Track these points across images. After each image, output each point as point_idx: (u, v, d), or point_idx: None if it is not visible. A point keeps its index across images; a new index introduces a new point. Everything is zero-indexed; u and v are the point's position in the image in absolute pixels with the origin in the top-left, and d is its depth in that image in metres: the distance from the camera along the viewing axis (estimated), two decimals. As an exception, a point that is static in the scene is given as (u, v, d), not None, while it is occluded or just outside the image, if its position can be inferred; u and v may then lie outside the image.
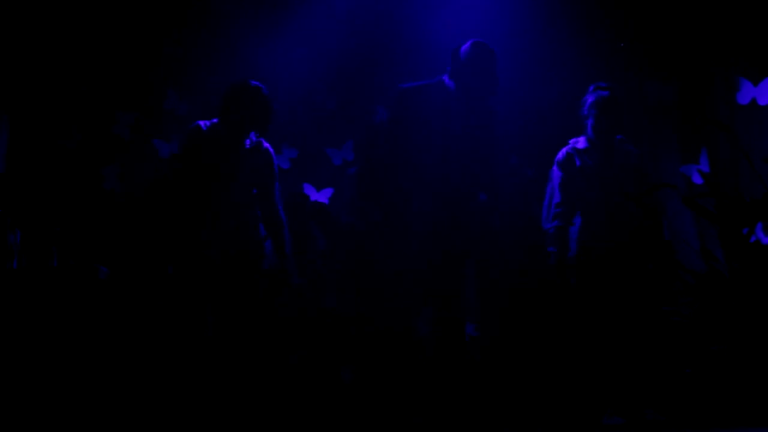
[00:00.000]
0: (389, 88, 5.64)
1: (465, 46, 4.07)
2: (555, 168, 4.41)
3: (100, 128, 6.19)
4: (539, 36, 6.04)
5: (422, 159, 4.03)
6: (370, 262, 4.92)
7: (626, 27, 6.07)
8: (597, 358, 4.18)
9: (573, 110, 4.64)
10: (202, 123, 4.19)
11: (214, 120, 4.20)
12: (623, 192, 4.27)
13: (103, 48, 6.09)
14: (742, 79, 5.65)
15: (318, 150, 6.44)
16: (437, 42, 5.77)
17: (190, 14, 6.14)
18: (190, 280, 4.14)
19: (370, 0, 6.23)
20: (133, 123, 6.24)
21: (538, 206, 4.57)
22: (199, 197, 4.13)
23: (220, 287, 4.14)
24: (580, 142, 4.42)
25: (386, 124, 4.20)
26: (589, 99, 4.39)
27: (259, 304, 4.25)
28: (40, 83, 6.01)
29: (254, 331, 4.21)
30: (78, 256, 5.72)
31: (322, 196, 6.32)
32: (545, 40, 6.05)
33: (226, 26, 6.12)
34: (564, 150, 4.43)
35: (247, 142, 4.21)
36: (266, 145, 4.27)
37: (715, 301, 4.10)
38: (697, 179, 5.70)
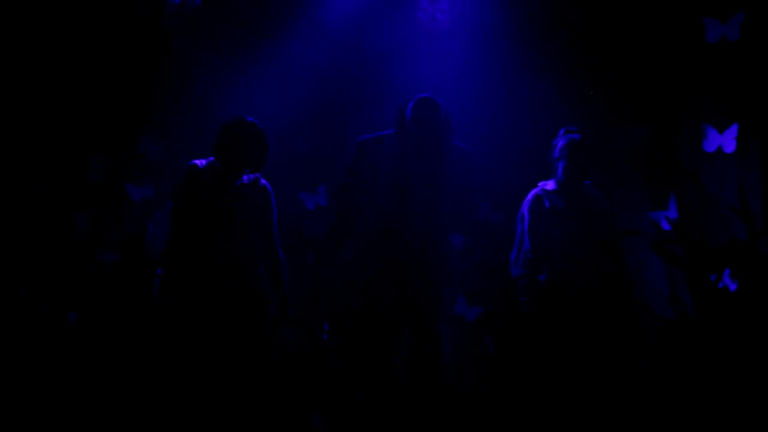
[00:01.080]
0: (363, 131, 5.72)
1: (411, 101, 4.15)
2: (524, 210, 4.44)
3: (72, 173, 6.16)
4: (509, 81, 6.14)
5: (372, 209, 4.12)
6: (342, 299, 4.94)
7: (595, 72, 6.18)
8: (569, 403, 4.18)
9: (543, 154, 4.69)
10: (197, 162, 4.20)
11: (210, 158, 4.21)
12: (591, 237, 4.31)
13: (75, 92, 6.09)
14: (708, 126, 5.75)
15: (291, 194, 6.45)
16: (411, 90, 5.86)
17: (164, 59, 6.16)
18: (190, 320, 4.11)
19: (343, 46, 6.30)
20: (106, 167, 6.22)
21: (507, 252, 4.60)
22: (198, 236, 4.10)
23: (221, 327, 4.11)
24: (550, 185, 4.46)
25: (342, 176, 4.27)
26: (560, 142, 4.44)
27: (263, 345, 4.21)
28: (9, 128, 5.99)
29: (254, 376, 4.16)
30: (48, 302, 5.67)
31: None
32: (516, 86, 6.14)
33: (198, 71, 6.15)
34: (533, 192, 4.47)
35: (245, 178, 4.22)
36: (264, 182, 4.29)
37: (684, 347, 4.13)
38: (666, 225, 5.78)
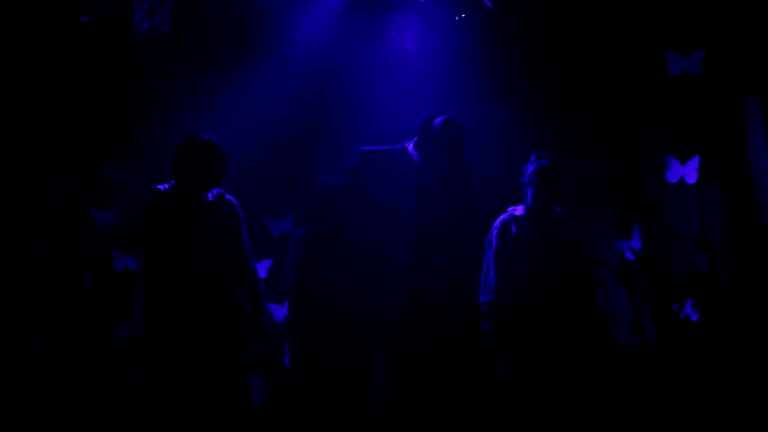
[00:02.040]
0: (331, 159, 5.72)
1: (438, 120, 4.05)
2: (492, 236, 4.45)
3: (35, 195, 6.08)
4: (476, 111, 6.18)
5: (373, 221, 4.02)
6: (318, 322, 4.91)
7: (560, 103, 6.26)
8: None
9: (508, 183, 4.71)
10: (160, 187, 4.20)
11: (172, 182, 4.20)
12: (558, 263, 4.32)
13: (40, 114, 6.03)
14: (671, 158, 5.84)
15: (257, 221, 6.42)
16: (378, 117, 5.90)
17: (132, 84, 6.13)
18: (167, 343, 4.08)
19: (313, 74, 6.32)
20: (70, 191, 6.15)
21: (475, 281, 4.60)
22: (171, 259, 4.08)
23: (197, 350, 4.09)
24: (519, 210, 4.47)
25: (343, 184, 4.18)
26: (530, 168, 4.45)
27: (238, 368, 4.19)
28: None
29: (230, 397, 4.13)
30: (8, 328, 5.57)
31: (260, 268, 6.29)
32: (482, 115, 6.19)
33: (166, 96, 6.12)
34: (501, 217, 4.48)
35: (209, 195, 4.21)
36: (229, 196, 4.28)
37: (648, 376, 4.17)
38: (630, 255, 5.83)
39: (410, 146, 4.11)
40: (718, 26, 5.66)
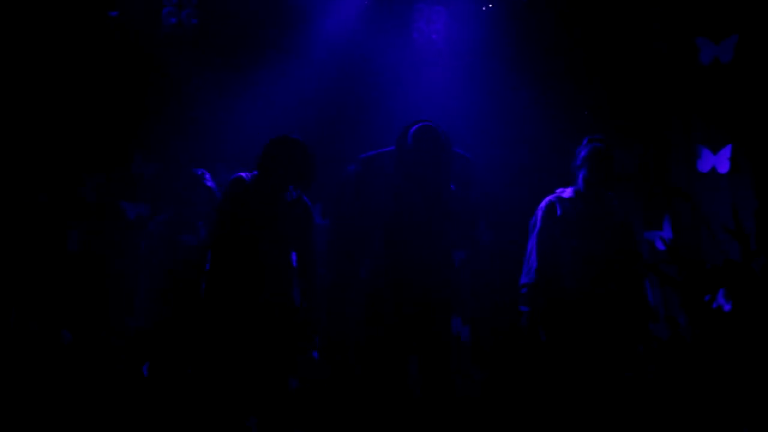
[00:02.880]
0: (359, 152, 5.72)
1: (412, 129, 4.11)
2: (536, 217, 4.41)
3: (66, 190, 6.15)
4: (505, 101, 6.15)
5: (377, 225, 4.12)
6: (342, 313, 4.92)
7: (591, 92, 6.21)
8: (564, 420, 4.17)
9: (537, 173, 4.68)
10: (243, 174, 4.25)
11: (255, 172, 4.25)
12: (607, 248, 4.26)
13: (69, 109, 6.09)
14: (702, 147, 5.77)
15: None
16: (406, 109, 5.88)
17: (160, 78, 6.16)
18: (230, 331, 4.14)
19: (339, 65, 6.31)
20: (100, 185, 6.21)
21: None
22: (242, 247, 4.15)
23: (257, 341, 4.16)
24: (567, 192, 4.42)
25: (348, 195, 4.28)
26: (583, 151, 4.39)
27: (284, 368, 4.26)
28: (3, 146, 5.98)
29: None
30: (41, 321, 5.64)
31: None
32: (511, 106, 6.16)
33: (194, 90, 6.15)
34: (547, 198, 4.43)
35: (287, 195, 4.26)
36: (306, 199, 4.34)
37: (679, 368, 4.13)
38: (661, 245, 5.78)
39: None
40: (750, 13, 5.58)
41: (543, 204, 4.40)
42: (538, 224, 4.36)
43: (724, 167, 5.69)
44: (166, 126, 6.16)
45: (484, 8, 6.43)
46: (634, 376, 4.36)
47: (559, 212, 4.34)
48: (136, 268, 5.15)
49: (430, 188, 4.12)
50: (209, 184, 5.01)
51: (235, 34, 6.25)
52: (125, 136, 6.20)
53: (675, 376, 4.03)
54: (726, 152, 5.70)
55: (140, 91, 6.18)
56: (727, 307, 4.45)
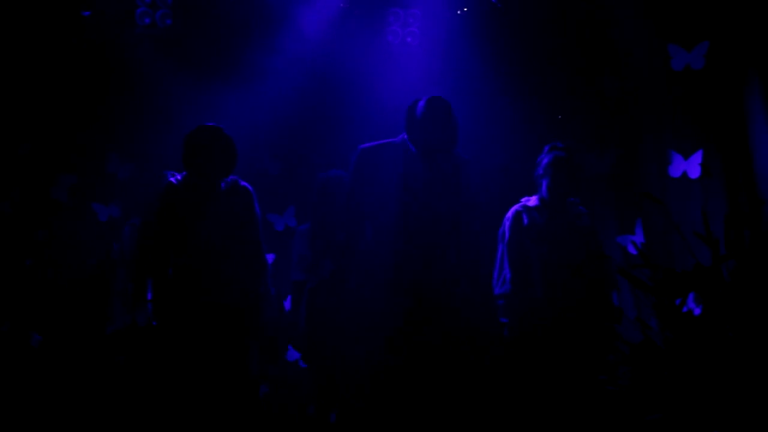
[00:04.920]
0: (333, 154, 5.72)
1: (420, 103, 4.06)
2: (505, 227, 4.43)
3: (36, 191, 6.09)
4: (478, 105, 6.17)
5: (380, 218, 4.00)
6: (323, 317, 4.89)
7: (563, 97, 6.25)
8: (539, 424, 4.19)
9: (512, 176, 4.69)
10: (172, 179, 4.17)
11: (184, 173, 4.18)
12: (571, 255, 4.30)
13: (42, 111, 6.03)
14: (674, 152, 5.82)
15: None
16: (381, 112, 5.89)
17: (134, 78, 6.13)
18: (181, 338, 4.06)
19: (314, 68, 6.31)
20: (72, 186, 6.15)
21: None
22: (182, 251, 4.08)
23: (208, 343, 4.07)
24: (532, 201, 4.45)
25: (346, 184, 4.18)
26: (545, 159, 4.42)
27: (245, 362, 4.17)
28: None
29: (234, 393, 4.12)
30: (11, 322, 5.58)
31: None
32: (484, 109, 6.18)
33: (167, 90, 6.12)
34: (513, 208, 4.46)
35: (223, 184, 4.18)
36: (243, 183, 4.25)
37: (650, 371, 4.16)
38: (633, 249, 5.83)
39: (406, 135, 4.10)
40: (721, 20, 5.64)
41: (510, 214, 4.44)
42: (507, 234, 4.39)
43: (695, 173, 5.74)
44: (140, 127, 6.13)
45: (458, 12, 6.46)
46: (607, 380, 4.40)
47: (526, 221, 4.38)
48: (109, 271, 5.11)
49: (441, 159, 4.00)
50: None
51: (210, 36, 6.23)
52: (98, 136, 6.15)
53: (646, 380, 4.06)
54: (697, 158, 5.75)
55: (114, 91, 6.14)
56: (696, 311, 4.50)
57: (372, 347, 4.05)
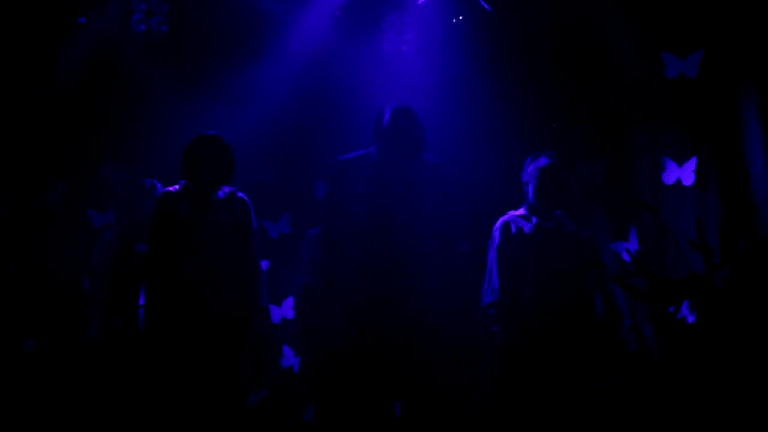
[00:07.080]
0: (327, 161, 5.72)
1: (385, 112, 4.06)
2: (494, 237, 4.44)
3: (30, 198, 6.06)
4: (472, 113, 6.19)
5: (354, 228, 3.98)
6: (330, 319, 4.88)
7: (558, 104, 6.26)
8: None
9: (507, 182, 4.70)
10: (170, 188, 4.17)
11: (182, 182, 4.18)
12: (559, 263, 4.31)
13: (35, 115, 6.02)
14: (667, 159, 5.84)
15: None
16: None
17: (129, 85, 6.12)
18: (174, 347, 4.05)
19: (309, 75, 6.32)
20: (65, 193, 6.13)
21: (473, 280, 4.57)
22: (178, 260, 4.05)
23: (196, 350, 4.05)
24: (520, 210, 4.47)
25: (325, 198, 4.19)
26: (530, 167, 4.44)
27: (237, 371, 4.14)
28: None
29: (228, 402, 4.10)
30: (4, 328, 5.56)
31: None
32: (479, 118, 6.19)
33: (162, 96, 6.12)
34: (502, 219, 4.47)
35: (220, 193, 4.18)
36: (241, 194, 4.24)
37: (645, 378, 4.17)
38: (626, 257, 5.83)
39: (373, 147, 4.10)
40: (715, 29, 5.66)
41: (498, 224, 4.46)
42: (495, 243, 4.41)
43: (688, 180, 5.76)
44: (135, 133, 6.12)
45: (453, 20, 6.48)
46: (604, 388, 4.41)
47: (513, 230, 4.39)
48: (90, 277, 5.07)
49: (409, 165, 3.99)
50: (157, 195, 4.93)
51: (205, 43, 6.23)
52: (93, 143, 6.14)
53: (641, 387, 4.07)
54: (691, 165, 5.77)
55: (110, 97, 6.13)
56: (690, 319, 4.50)
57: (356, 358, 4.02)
